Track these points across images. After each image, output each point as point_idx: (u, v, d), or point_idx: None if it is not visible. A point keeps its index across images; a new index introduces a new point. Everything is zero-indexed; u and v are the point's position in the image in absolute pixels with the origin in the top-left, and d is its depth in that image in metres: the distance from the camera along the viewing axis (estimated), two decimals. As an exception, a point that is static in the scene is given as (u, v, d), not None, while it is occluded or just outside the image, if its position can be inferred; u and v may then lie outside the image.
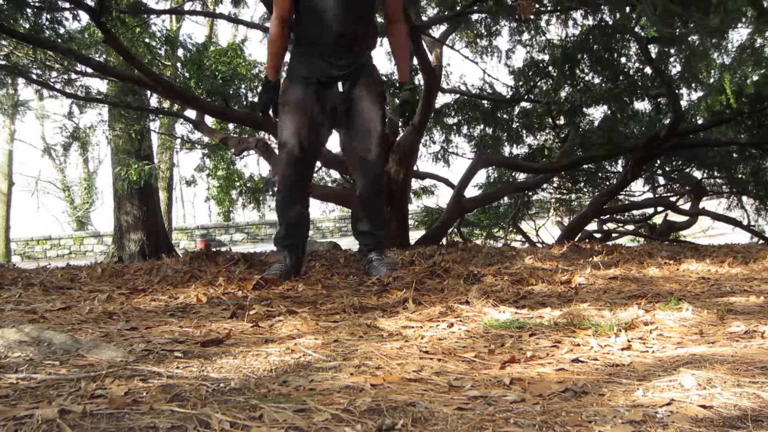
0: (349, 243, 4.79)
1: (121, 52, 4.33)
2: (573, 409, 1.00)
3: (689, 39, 4.17)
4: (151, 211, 9.19)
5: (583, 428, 0.92)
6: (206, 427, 0.88)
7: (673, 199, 7.52)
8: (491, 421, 0.95)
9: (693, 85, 5.49)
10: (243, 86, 6.28)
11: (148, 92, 6.57)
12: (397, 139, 4.64)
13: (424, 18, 5.63)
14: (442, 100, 6.62)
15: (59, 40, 4.97)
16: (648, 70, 5.46)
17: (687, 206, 7.36)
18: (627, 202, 7.67)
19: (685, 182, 7.08)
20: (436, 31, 5.92)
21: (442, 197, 8.23)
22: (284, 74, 2.82)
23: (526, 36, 6.36)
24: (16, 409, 0.93)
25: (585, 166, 6.80)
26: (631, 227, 8.32)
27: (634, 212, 7.99)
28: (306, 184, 2.81)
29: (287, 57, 2.93)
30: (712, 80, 5.30)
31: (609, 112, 6.22)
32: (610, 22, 5.16)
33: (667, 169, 7.07)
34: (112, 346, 1.33)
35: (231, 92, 5.93)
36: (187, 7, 7.07)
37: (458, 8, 4.91)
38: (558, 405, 1.03)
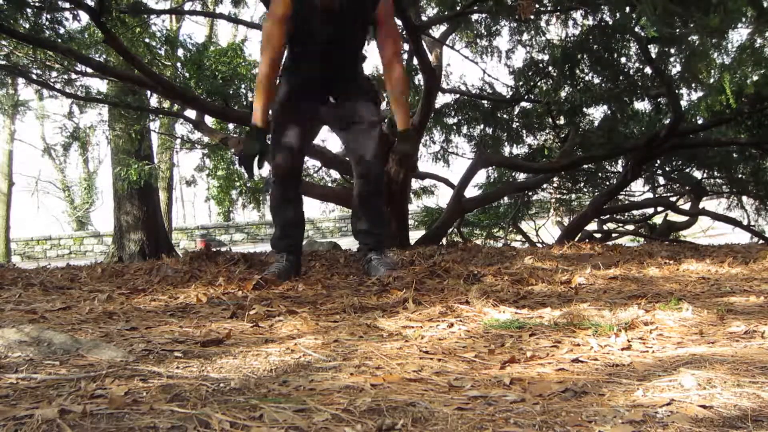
0: (349, 243, 4.78)
1: (121, 52, 4.33)
2: (573, 409, 1.00)
3: (689, 39, 4.17)
4: (151, 211, 9.19)
5: (583, 428, 0.92)
6: (206, 427, 0.88)
7: (673, 199, 7.52)
8: (491, 421, 0.95)
9: (693, 85, 5.50)
10: (243, 86, 6.27)
11: (148, 92, 6.57)
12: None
13: (424, 18, 5.63)
14: (442, 100, 6.63)
15: (59, 40, 4.97)
16: (648, 70, 5.46)
17: (687, 206, 7.36)
18: (627, 202, 7.68)
19: (685, 182, 7.09)
20: (436, 31, 5.93)
21: (442, 197, 8.25)
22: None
23: (526, 36, 6.37)
24: (16, 409, 0.92)
25: (585, 166, 6.81)
26: (631, 227, 8.32)
27: (634, 212, 8.00)
28: (298, 183, 2.85)
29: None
30: (712, 80, 5.30)
31: (609, 112, 6.22)
32: (610, 22, 5.16)
33: (667, 169, 7.07)
34: (112, 346, 1.33)
35: (231, 92, 5.94)
36: (187, 7, 7.07)
37: (458, 8, 4.92)
38: (558, 405, 1.03)
